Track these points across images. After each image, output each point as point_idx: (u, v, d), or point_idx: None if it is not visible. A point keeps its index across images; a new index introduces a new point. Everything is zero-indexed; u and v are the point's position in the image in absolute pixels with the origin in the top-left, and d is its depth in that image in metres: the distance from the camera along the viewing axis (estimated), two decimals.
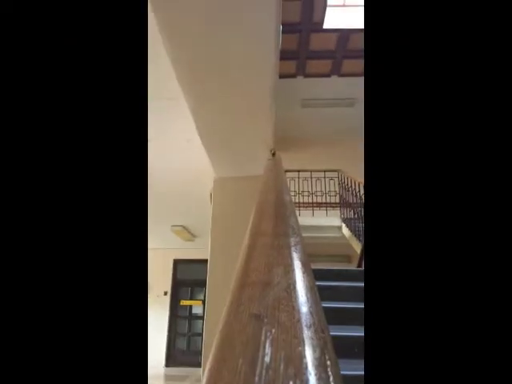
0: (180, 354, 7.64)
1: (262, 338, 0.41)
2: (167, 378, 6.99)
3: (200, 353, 4.63)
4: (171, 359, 7.59)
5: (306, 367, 0.35)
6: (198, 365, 5.13)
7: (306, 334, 0.43)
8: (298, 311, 0.47)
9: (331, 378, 0.34)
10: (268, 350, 0.40)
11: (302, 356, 0.38)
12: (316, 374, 0.34)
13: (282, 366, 0.35)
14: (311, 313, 0.47)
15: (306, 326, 0.44)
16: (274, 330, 0.43)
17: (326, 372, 0.35)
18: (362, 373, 1.33)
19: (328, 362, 0.38)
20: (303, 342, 0.41)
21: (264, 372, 0.34)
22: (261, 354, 0.39)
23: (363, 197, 3.86)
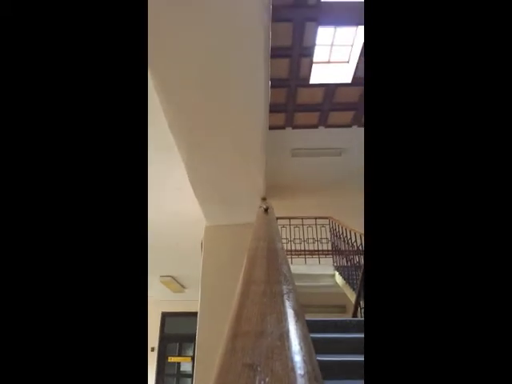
0: None
1: None
2: None
3: None
4: None
5: None
6: None
7: (301, 382, 0.42)
8: (292, 360, 0.46)
9: None
10: None
11: None
12: None
13: None
14: (305, 361, 0.47)
15: (300, 374, 0.44)
16: (267, 379, 0.42)
17: None
18: None
19: None
20: None
21: None
22: None
23: (355, 244, 3.86)
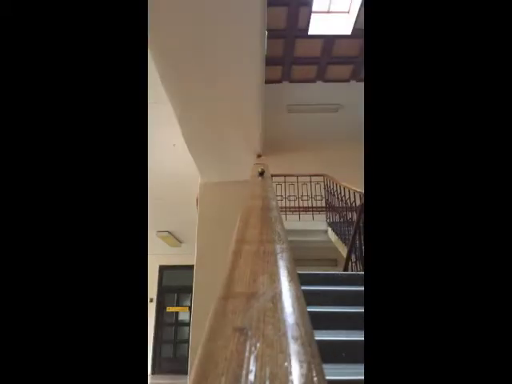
0: (166, 362, 7.52)
1: (246, 353, 0.40)
2: None
3: (187, 360, 4.56)
4: (157, 367, 7.47)
5: None
6: (185, 372, 5.05)
7: (293, 347, 0.41)
8: (284, 323, 0.45)
9: None
10: (252, 366, 0.38)
11: (288, 373, 0.37)
12: None
13: None
14: (298, 324, 0.46)
15: (293, 338, 0.43)
16: (258, 345, 0.41)
17: None
18: (350, 378, 1.33)
19: (315, 379, 0.36)
20: (289, 356, 0.40)
21: None
22: (245, 370, 0.37)
23: (348, 201, 3.88)
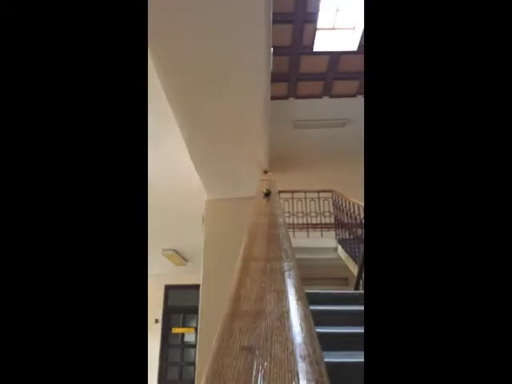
0: None
1: (254, 372, 0.39)
2: None
3: (193, 382, 4.47)
4: None
5: None
6: None
7: (301, 366, 0.40)
8: (292, 342, 0.44)
9: None
10: None
11: None
12: None
13: None
14: (306, 343, 0.45)
15: (301, 357, 0.42)
16: (266, 364, 0.40)
17: None
18: None
19: None
20: (297, 375, 0.39)
21: None
22: None
23: (358, 217, 3.85)
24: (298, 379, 0.37)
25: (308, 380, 0.38)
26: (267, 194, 1.46)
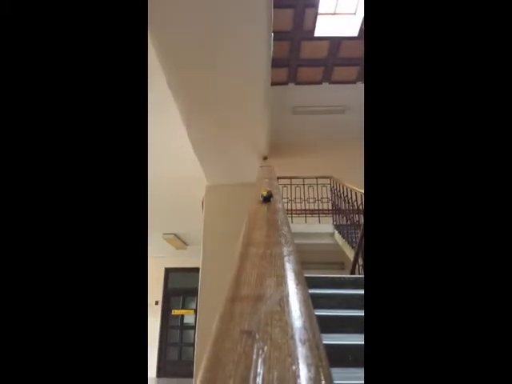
0: (171, 365, 7.52)
1: (254, 356, 0.39)
2: None
3: (192, 363, 4.56)
4: (162, 370, 7.47)
5: None
6: (190, 375, 5.04)
7: (300, 351, 0.41)
8: (292, 326, 0.45)
9: None
10: (260, 369, 0.38)
11: (296, 376, 0.36)
12: None
13: None
14: (305, 328, 0.45)
15: (300, 342, 0.42)
16: (266, 348, 0.40)
17: None
18: (356, 382, 1.32)
19: (323, 382, 0.36)
20: (297, 360, 0.39)
21: None
22: (252, 373, 0.37)
23: (355, 203, 3.86)
24: (298, 363, 0.38)
25: (308, 364, 0.39)
26: (267, 199, 1.15)
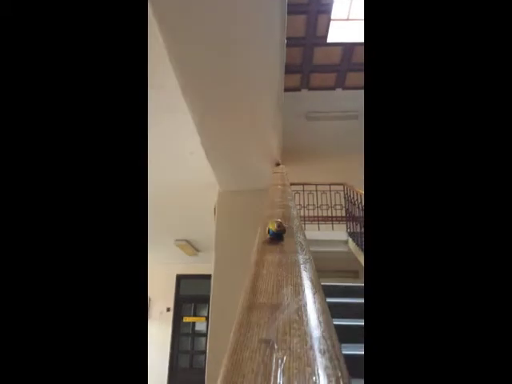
0: (183, 372, 7.50)
1: (273, 366, 0.38)
2: None
3: (203, 371, 4.53)
4: (174, 378, 7.45)
5: None
6: (202, 383, 5.02)
7: (320, 361, 0.40)
8: (311, 336, 0.44)
9: None
10: (280, 380, 0.37)
11: None
12: None
13: None
14: (324, 337, 0.44)
15: (320, 352, 0.41)
16: (285, 358, 0.39)
17: None
18: None
19: None
20: (317, 370, 0.38)
21: None
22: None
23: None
24: (319, 374, 0.37)
25: (328, 375, 0.37)
26: (279, 235, 0.82)
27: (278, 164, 3.10)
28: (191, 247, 6.99)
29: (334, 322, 0.52)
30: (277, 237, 0.82)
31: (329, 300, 1.88)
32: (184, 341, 7.75)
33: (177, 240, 6.59)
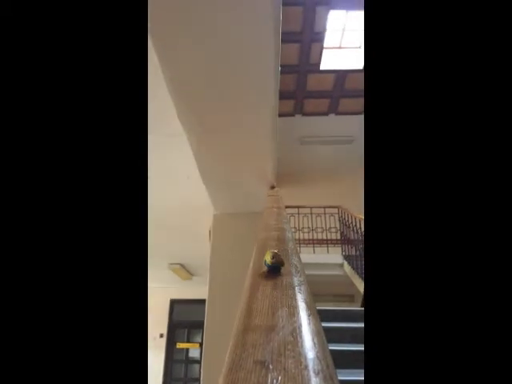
0: None
1: None
2: None
3: None
4: None
5: None
6: None
7: (315, 381, 0.40)
8: (305, 357, 0.44)
9: None
10: None
11: None
12: None
13: None
14: (319, 358, 0.45)
15: (314, 372, 0.42)
16: (280, 378, 0.40)
17: None
18: None
19: None
20: None
21: None
22: None
23: (364, 233, 3.82)
24: None
25: None
26: (276, 269, 0.77)
27: (273, 187, 3.13)
28: (185, 271, 6.90)
29: (332, 347, 0.53)
30: (273, 270, 0.76)
31: (324, 325, 1.86)
32: (177, 368, 7.53)
33: (171, 264, 6.51)
